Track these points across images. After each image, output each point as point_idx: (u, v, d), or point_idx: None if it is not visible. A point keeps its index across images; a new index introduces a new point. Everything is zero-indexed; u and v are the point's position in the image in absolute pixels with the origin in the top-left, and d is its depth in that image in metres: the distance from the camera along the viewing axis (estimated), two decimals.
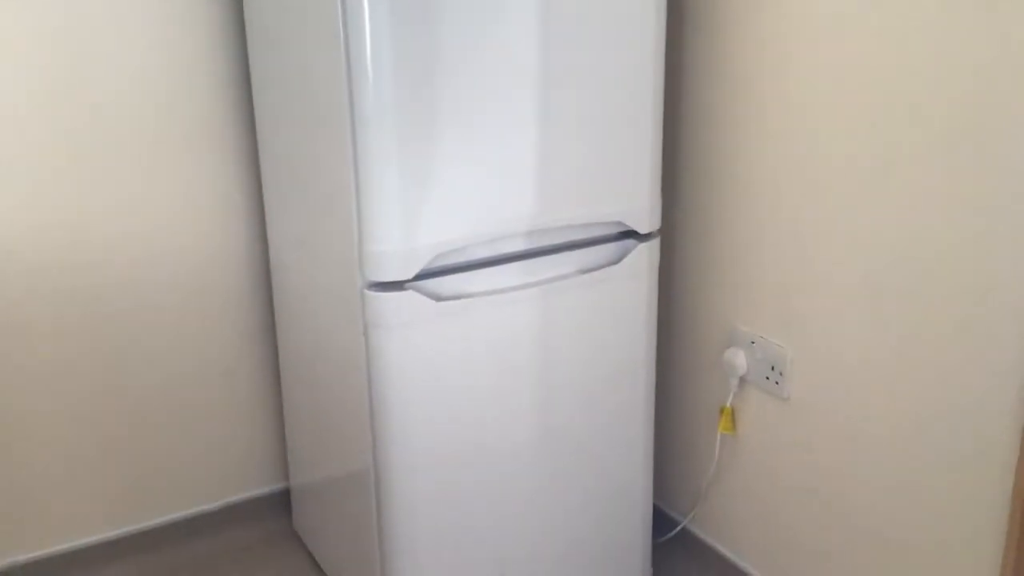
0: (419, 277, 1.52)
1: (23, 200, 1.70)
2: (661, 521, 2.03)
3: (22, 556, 1.86)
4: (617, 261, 1.68)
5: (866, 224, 1.48)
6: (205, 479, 2.03)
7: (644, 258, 1.71)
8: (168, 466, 1.98)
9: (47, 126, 1.68)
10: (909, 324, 1.44)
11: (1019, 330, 1.28)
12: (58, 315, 1.78)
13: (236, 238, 1.91)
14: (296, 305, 1.79)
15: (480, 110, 1.48)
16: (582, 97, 1.56)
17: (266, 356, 2.02)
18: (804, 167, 1.57)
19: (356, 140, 1.43)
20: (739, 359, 1.75)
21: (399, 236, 1.48)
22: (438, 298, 1.54)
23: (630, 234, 1.70)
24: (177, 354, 1.92)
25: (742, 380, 1.77)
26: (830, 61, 1.48)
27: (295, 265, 1.75)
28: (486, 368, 1.62)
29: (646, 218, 1.69)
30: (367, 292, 1.50)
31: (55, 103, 1.68)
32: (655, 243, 1.72)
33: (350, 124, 1.42)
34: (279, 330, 1.91)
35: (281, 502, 2.11)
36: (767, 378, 1.71)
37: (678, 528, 1.99)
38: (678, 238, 1.87)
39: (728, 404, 1.80)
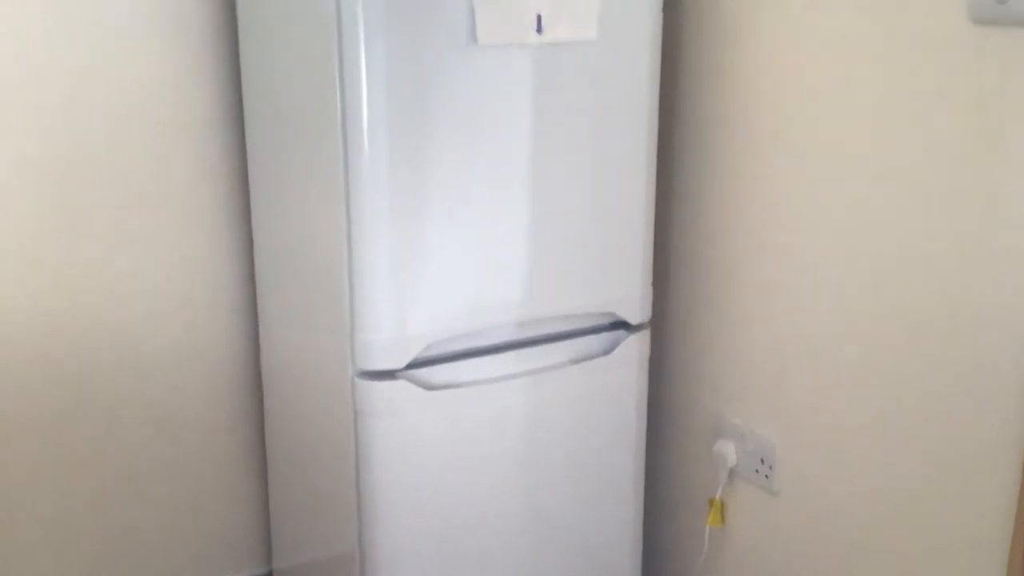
0: (410, 366, 1.52)
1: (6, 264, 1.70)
2: None
3: None
4: (608, 352, 1.69)
5: (858, 315, 1.49)
6: (187, 560, 1.99)
7: (635, 349, 1.71)
8: (149, 546, 1.95)
9: (37, 193, 1.69)
10: (903, 417, 1.44)
11: (1015, 415, 1.29)
12: (33, 399, 1.77)
13: (226, 317, 1.91)
14: (285, 387, 1.79)
15: (472, 199, 1.50)
16: (574, 188, 1.58)
17: (252, 437, 2.00)
18: (793, 259, 1.58)
19: (351, 228, 1.44)
20: (729, 451, 1.74)
21: (391, 325, 1.49)
22: (429, 387, 1.54)
23: (621, 324, 1.71)
24: (161, 432, 1.90)
25: (732, 472, 1.76)
26: (818, 156, 1.51)
27: (285, 348, 1.75)
28: (475, 456, 1.61)
29: (637, 309, 1.70)
30: (358, 380, 1.50)
31: (47, 173, 1.69)
32: (646, 334, 1.73)
33: (345, 211, 1.44)
34: (267, 411, 1.90)
35: None
36: (757, 471, 1.70)
37: None
38: (668, 328, 1.87)
39: (717, 496, 1.78)
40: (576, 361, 1.67)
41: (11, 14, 1.60)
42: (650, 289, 1.72)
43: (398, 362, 1.50)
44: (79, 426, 1.82)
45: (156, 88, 1.74)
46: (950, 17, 1.27)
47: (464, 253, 1.52)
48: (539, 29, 1.47)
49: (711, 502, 1.80)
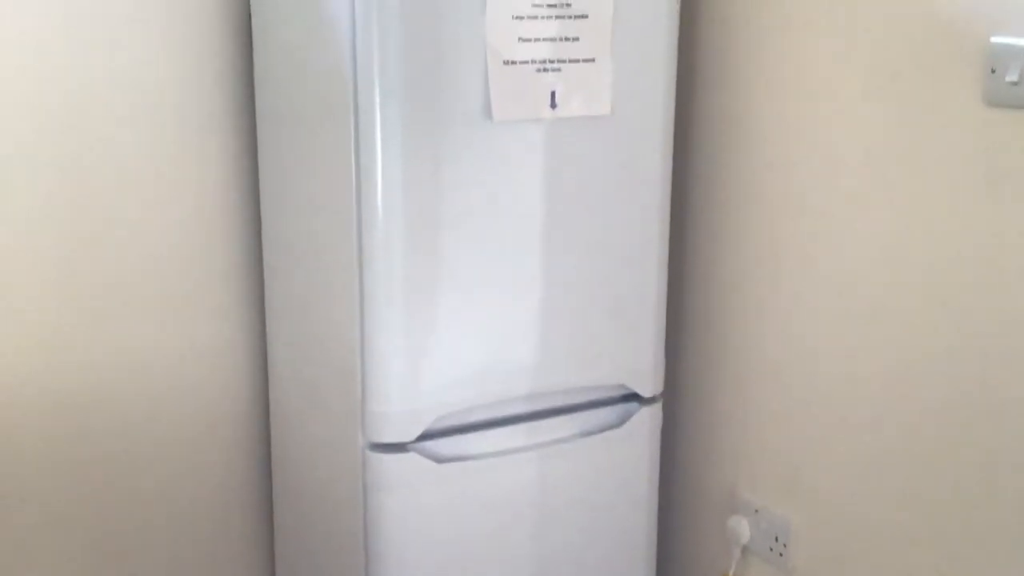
0: (420, 438, 1.51)
1: (19, 340, 1.70)
2: None
3: None
4: (619, 424, 1.68)
5: (876, 392, 1.48)
6: None
7: (646, 422, 1.70)
8: None
9: (49, 269, 1.70)
10: (923, 497, 1.42)
11: None
12: (41, 474, 1.76)
13: (236, 384, 1.90)
14: (294, 457, 1.77)
15: (485, 271, 1.50)
16: (586, 260, 1.58)
17: (260, 506, 1.98)
18: (808, 334, 1.58)
19: (364, 299, 1.45)
20: (742, 528, 1.72)
21: (403, 397, 1.48)
22: (439, 460, 1.52)
23: (633, 397, 1.70)
24: (167, 501, 1.89)
25: (745, 549, 1.73)
26: (832, 231, 1.51)
27: (294, 418, 1.74)
28: (484, 529, 1.59)
29: (649, 381, 1.69)
30: (368, 452, 1.49)
31: (61, 248, 1.70)
32: (658, 406, 1.72)
33: (358, 282, 1.44)
34: (275, 481, 1.88)
35: None
36: (771, 549, 1.68)
37: None
38: (681, 401, 1.86)
39: (730, 574, 1.75)
40: (587, 434, 1.65)
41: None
42: (662, 361, 1.71)
43: (409, 435, 1.49)
44: (83, 492, 1.81)
45: (166, 161, 1.75)
46: (965, 99, 1.28)
47: (476, 325, 1.51)
48: (553, 105, 1.49)
49: None
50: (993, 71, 1.23)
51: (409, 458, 1.49)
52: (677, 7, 1.57)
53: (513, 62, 1.45)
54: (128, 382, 1.80)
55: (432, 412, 1.50)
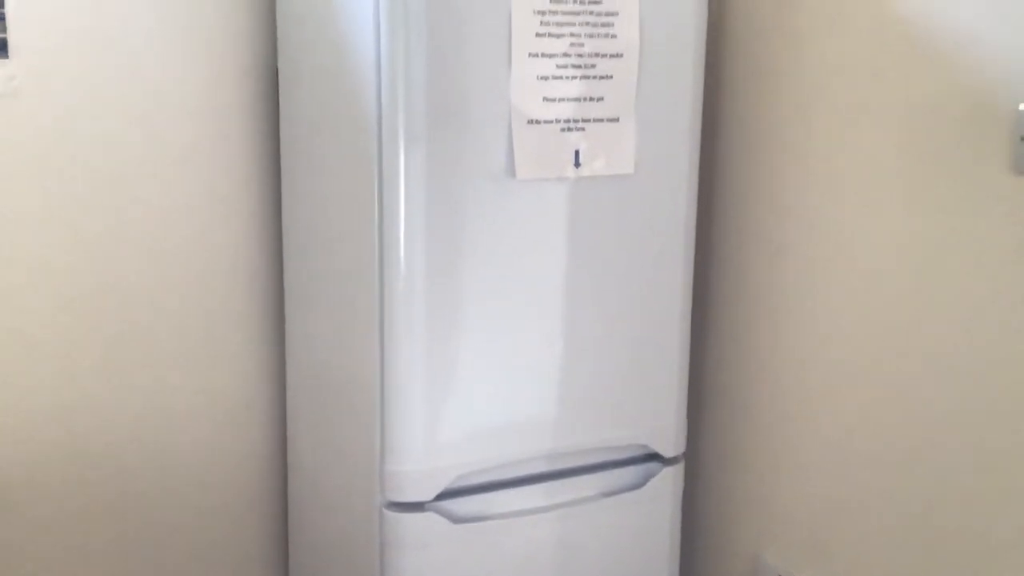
0: (439, 497, 1.49)
1: (44, 384, 1.70)
2: None
3: None
4: (640, 485, 1.65)
5: (902, 457, 1.45)
6: None
7: (668, 483, 1.68)
8: None
9: (69, 317, 1.70)
10: (951, 564, 1.39)
11: None
12: (55, 520, 1.75)
13: (255, 442, 1.89)
14: (311, 516, 1.76)
15: (506, 330, 1.50)
16: (608, 318, 1.57)
17: (277, 564, 1.97)
18: (833, 397, 1.55)
19: (384, 358, 1.44)
20: None
21: (422, 456, 1.47)
22: (457, 520, 1.51)
23: (654, 457, 1.68)
24: (183, 556, 1.88)
25: None
26: (853, 296, 1.50)
27: (313, 475, 1.73)
28: None
29: (671, 441, 1.67)
30: (385, 512, 1.48)
31: (86, 297, 1.71)
32: (680, 467, 1.70)
33: (379, 341, 1.44)
34: (291, 539, 1.86)
35: None
36: None
37: None
38: (703, 462, 1.84)
39: None
40: (608, 494, 1.63)
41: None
42: (684, 421, 1.69)
43: (427, 494, 1.48)
44: (98, 540, 1.80)
45: (191, 212, 1.76)
46: (994, 168, 1.27)
47: (497, 383, 1.50)
48: (577, 164, 1.49)
49: None
50: (1022, 139, 1.22)
51: (427, 517, 1.48)
52: (702, 71, 1.57)
53: (537, 121, 1.45)
54: (146, 431, 1.80)
55: (451, 471, 1.49)
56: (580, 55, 1.46)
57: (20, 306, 1.65)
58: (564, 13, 1.44)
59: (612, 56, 1.48)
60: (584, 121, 1.48)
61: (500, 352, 1.50)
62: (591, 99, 1.48)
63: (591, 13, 1.45)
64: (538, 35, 1.43)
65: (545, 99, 1.45)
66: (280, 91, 1.69)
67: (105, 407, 1.76)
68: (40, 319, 1.68)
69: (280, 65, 1.68)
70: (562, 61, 1.45)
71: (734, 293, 1.74)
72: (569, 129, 1.48)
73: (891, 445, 1.46)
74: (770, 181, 1.63)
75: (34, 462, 1.73)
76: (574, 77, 1.47)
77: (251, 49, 1.75)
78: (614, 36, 1.47)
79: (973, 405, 1.34)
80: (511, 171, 1.44)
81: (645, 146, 1.53)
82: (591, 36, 1.46)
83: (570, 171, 1.49)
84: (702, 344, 1.81)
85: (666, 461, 1.68)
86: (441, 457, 1.48)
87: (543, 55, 1.44)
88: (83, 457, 1.76)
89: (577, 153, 1.49)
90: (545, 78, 1.45)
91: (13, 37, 1.56)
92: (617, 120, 1.50)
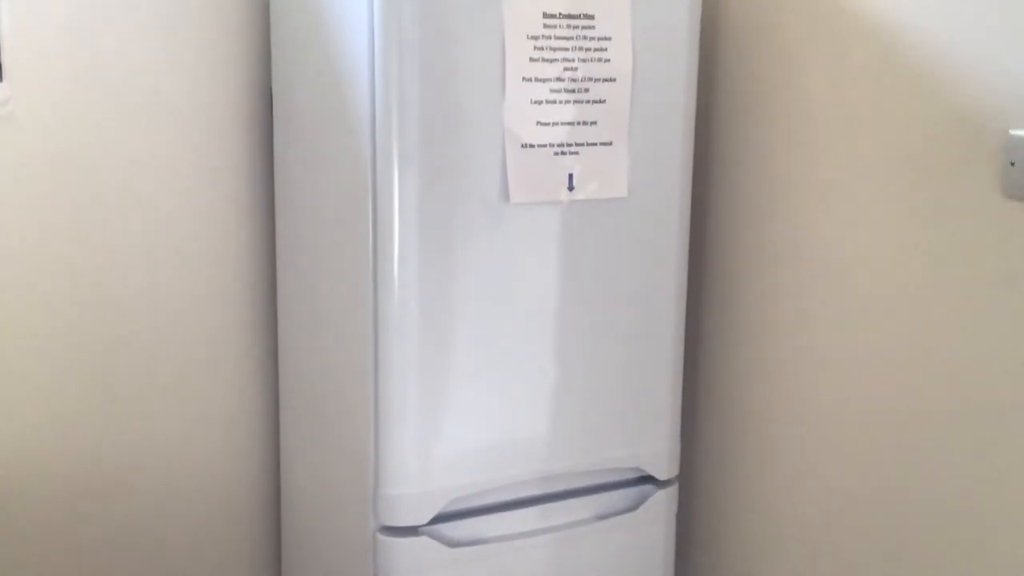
0: (433, 521, 1.49)
1: (37, 421, 1.70)
2: None
3: None
4: (634, 508, 1.65)
5: (896, 483, 1.46)
6: None
7: (662, 505, 1.67)
8: None
9: (63, 345, 1.70)
10: None
11: None
12: (48, 550, 1.74)
13: (247, 467, 1.88)
14: (304, 540, 1.75)
15: (500, 352, 1.50)
16: (601, 341, 1.58)
17: None
18: (826, 419, 1.56)
19: (378, 381, 1.44)
20: None
21: (416, 479, 1.47)
22: (452, 544, 1.50)
23: (648, 479, 1.68)
24: (174, 574, 1.86)
25: None
26: (845, 321, 1.50)
27: (305, 500, 1.72)
28: None
29: (665, 464, 1.67)
30: (379, 536, 1.47)
31: (78, 328, 1.71)
32: (673, 489, 1.69)
33: (372, 364, 1.44)
34: (284, 565, 1.85)
35: None
36: None
37: None
38: (697, 484, 1.84)
39: None
40: (602, 517, 1.63)
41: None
42: (678, 443, 1.69)
43: (421, 518, 1.47)
44: (91, 567, 1.79)
45: (184, 238, 1.76)
46: (984, 192, 1.28)
47: (491, 406, 1.50)
48: (571, 187, 1.50)
49: None
50: (1012, 164, 1.23)
51: (421, 542, 1.47)
52: (694, 94, 1.58)
53: (531, 145, 1.46)
54: (137, 455, 1.79)
55: (445, 495, 1.48)
56: (573, 79, 1.47)
57: (11, 327, 1.65)
58: (557, 38, 1.45)
59: (605, 80, 1.49)
60: (577, 145, 1.49)
61: (494, 374, 1.50)
62: (584, 123, 1.49)
63: (584, 38, 1.46)
64: (531, 60, 1.44)
65: (539, 123, 1.46)
66: (274, 114, 1.70)
67: (96, 430, 1.75)
68: (30, 343, 1.67)
69: (274, 88, 1.69)
70: (555, 85, 1.46)
71: (728, 316, 1.74)
72: (563, 153, 1.48)
73: (885, 468, 1.47)
74: (763, 205, 1.64)
75: (21, 479, 1.72)
76: (567, 101, 1.47)
77: (246, 71, 1.75)
78: (607, 61, 1.48)
79: (965, 426, 1.34)
80: (505, 195, 1.45)
81: (638, 169, 1.54)
82: (584, 61, 1.47)
83: (564, 195, 1.49)
84: (696, 366, 1.81)
85: (660, 484, 1.68)
86: (435, 481, 1.47)
87: (536, 79, 1.45)
88: (72, 488, 1.75)
89: (571, 177, 1.50)
90: (539, 102, 1.45)
91: (7, 60, 1.56)
92: (610, 144, 1.51)
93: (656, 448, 1.66)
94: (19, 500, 1.70)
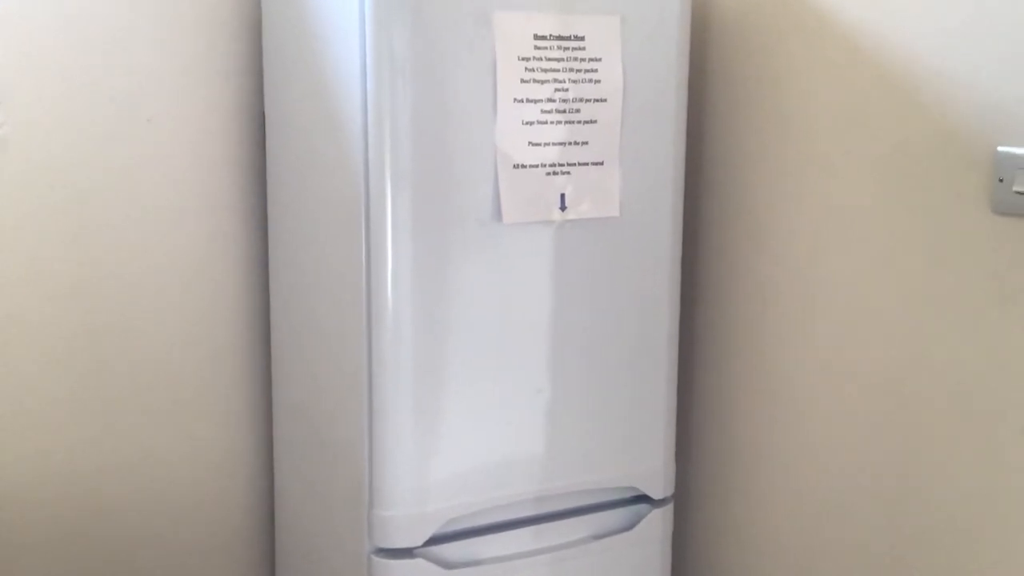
0: (428, 543, 1.48)
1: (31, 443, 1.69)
2: None
3: None
4: (630, 527, 1.65)
5: (889, 500, 1.46)
6: None
7: (658, 524, 1.67)
8: None
9: (56, 369, 1.69)
10: None
11: None
12: (35, 550, 1.73)
13: (241, 489, 1.87)
14: (298, 562, 1.74)
15: (493, 372, 1.50)
16: (595, 361, 1.58)
17: None
18: (819, 436, 1.56)
19: (372, 401, 1.44)
20: None
21: (411, 500, 1.46)
22: (447, 566, 1.49)
23: (643, 499, 1.67)
24: None
25: None
26: (838, 336, 1.51)
27: (300, 523, 1.72)
28: None
29: (660, 483, 1.67)
30: (374, 559, 1.47)
31: (72, 354, 1.70)
32: (669, 509, 1.69)
33: (367, 384, 1.44)
34: None
35: None
36: None
37: None
38: (692, 504, 1.83)
39: None
40: (597, 537, 1.62)
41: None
42: (673, 463, 1.69)
43: (416, 539, 1.47)
44: None
45: (179, 261, 1.76)
46: (973, 208, 1.29)
47: (485, 427, 1.50)
48: (563, 207, 1.50)
49: None
50: (1001, 180, 1.24)
51: (416, 564, 1.46)
52: (684, 114, 1.59)
53: (523, 166, 1.46)
54: (129, 479, 1.78)
55: (440, 516, 1.48)
56: (564, 100, 1.48)
57: (7, 345, 1.64)
58: (548, 59, 1.46)
59: (596, 101, 1.50)
60: (569, 165, 1.50)
61: (488, 394, 1.50)
62: (576, 143, 1.50)
63: (575, 59, 1.47)
64: (523, 81, 1.44)
65: (530, 144, 1.47)
66: (267, 136, 1.70)
67: (87, 455, 1.74)
68: (24, 366, 1.67)
69: (267, 110, 1.69)
70: (547, 106, 1.47)
71: (720, 334, 1.74)
72: (555, 173, 1.49)
73: (881, 485, 1.47)
74: (754, 222, 1.65)
75: (17, 483, 1.70)
76: (559, 122, 1.48)
77: (238, 94, 1.76)
78: (598, 81, 1.49)
79: (956, 445, 1.34)
80: (497, 215, 1.45)
81: (630, 189, 1.54)
82: (575, 81, 1.48)
83: (556, 214, 1.50)
84: (690, 385, 1.81)
85: (655, 503, 1.67)
86: (430, 502, 1.47)
87: (528, 100, 1.45)
88: (64, 512, 1.74)
89: (563, 196, 1.50)
90: (530, 123, 1.46)
91: (1, 84, 1.56)
92: (602, 164, 1.52)
93: (651, 467, 1.66)
94: (9, 507, 1.69)
